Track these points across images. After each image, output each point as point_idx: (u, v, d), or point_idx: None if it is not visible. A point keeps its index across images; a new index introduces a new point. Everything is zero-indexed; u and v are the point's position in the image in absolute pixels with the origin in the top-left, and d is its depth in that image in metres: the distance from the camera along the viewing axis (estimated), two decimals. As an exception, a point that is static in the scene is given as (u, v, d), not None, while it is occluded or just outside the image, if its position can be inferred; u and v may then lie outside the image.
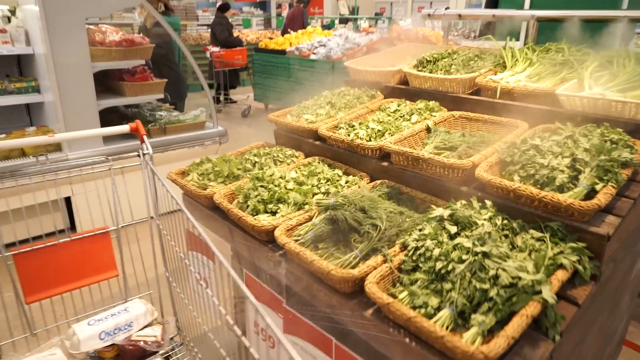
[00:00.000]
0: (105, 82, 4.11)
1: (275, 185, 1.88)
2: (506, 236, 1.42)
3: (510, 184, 1.46)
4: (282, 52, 7.93)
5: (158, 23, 5.47)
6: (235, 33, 10.50)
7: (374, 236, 1.49)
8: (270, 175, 1.93)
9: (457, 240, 1.33)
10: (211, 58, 7.98)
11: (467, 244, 1.30)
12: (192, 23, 14.47)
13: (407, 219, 1.61)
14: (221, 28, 8.71)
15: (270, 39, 9.58)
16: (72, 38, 3.30)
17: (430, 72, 2.36)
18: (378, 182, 1.91)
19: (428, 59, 2.45)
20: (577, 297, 1.30)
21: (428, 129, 2.05)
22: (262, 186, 1.85)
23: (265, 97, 8.68)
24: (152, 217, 1.89)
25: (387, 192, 1.83)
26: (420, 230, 1.46)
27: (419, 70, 2.43)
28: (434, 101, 2.24)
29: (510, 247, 1.38)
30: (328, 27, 11.27)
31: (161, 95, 4.08)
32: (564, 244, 1.35)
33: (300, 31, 8.70)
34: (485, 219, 1.43)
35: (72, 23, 3.26)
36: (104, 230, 1.98)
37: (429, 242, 1.35)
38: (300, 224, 1.67)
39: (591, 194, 1.41)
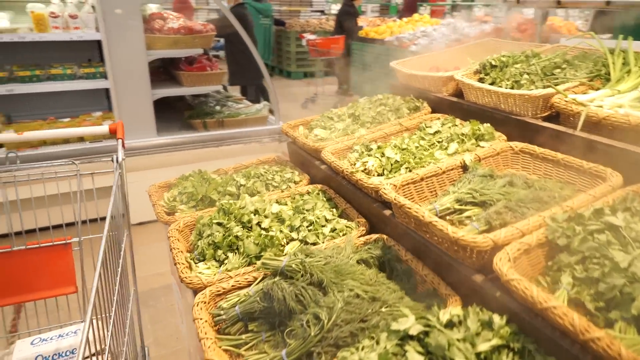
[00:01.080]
0: (170, 71, 4.04)
1: (242, 222, 1.45)
2: (517, 389, 0.82)
3: (542, 297, 0.84)
4: (381, 42, 7.31)
5: (240, 4, 5.33)
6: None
7: (311, 335, 1.00)
8: (241, 208, 1.51)
9: (414, 389, 0.78)
10: (307, 46, 7.70)
11: (425, 404, 0.74)
12: (305, 9, 14.42)
13: (383, 309, 1.08)
14: (349, 18, 8.20)
15: (378, 26, 8.98)
16: (126, 24, 3.21)
17: (492, 83, 1.69)
18: (374, 237, 1.37)
19: (493, 63, 1.77)
20: None
21: (465, 167, 1.44)
22: (219, 223, 1.44)
23: (362, 89, 8.16)
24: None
25: (379, 256, 1.29)
26: (376, 344, 0.92)
27: (478, 79, 1.77)
28: (487, 124, 1.60)
29: (518, 414, 0.78)
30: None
31: (219, 87, 3.88)
32: None
33: (405, 19, 7.97)
34: (482, 353, 0.84)
35: (127, 9, 3.17)
36: (65, 242, 1.76)
37: (367, 381, 0.82)
38: (240, 288, 1.23)
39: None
